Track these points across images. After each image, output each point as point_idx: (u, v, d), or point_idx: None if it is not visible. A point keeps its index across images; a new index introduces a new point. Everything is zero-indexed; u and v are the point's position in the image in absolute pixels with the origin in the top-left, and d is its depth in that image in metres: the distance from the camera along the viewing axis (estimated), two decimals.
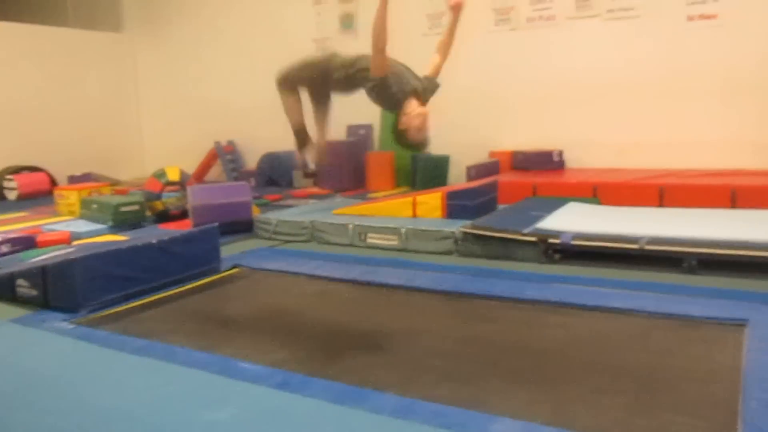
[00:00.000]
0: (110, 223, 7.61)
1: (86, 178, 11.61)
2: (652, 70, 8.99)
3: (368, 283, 4.86)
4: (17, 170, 11.49)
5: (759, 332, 3.43)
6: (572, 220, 6.06)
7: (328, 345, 3.69)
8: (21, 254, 6.07)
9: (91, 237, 7.13)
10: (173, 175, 8.14)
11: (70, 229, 7.38)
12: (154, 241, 4.92)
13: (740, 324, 3.61)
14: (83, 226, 7.71)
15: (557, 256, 5.51)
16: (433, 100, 10.90)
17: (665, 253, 5.05)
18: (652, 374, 3.07)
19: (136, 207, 7.91)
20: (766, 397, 2.64)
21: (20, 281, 4.61)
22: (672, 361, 3.22)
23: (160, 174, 8.13)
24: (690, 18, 8.70)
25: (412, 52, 10.93)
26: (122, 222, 7.66)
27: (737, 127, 8.56)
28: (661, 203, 7.39)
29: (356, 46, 11.50)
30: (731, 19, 8.44)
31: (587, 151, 9.61)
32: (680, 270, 4.92)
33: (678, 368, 3.12)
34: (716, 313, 3.77)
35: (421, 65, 10.85)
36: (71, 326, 4.06)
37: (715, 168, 8.40)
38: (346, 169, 10.92)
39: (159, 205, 8.07)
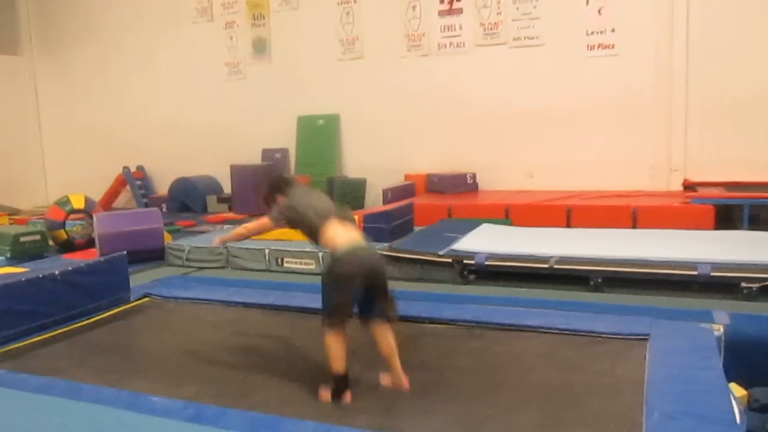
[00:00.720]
0: (8, 255, 7.20)
1: None
2: (557, 95, 9.44)
3: (285, 309, 4.81)
4: None
5: (660, 346, 3.63)
6: (486, 241, 6.23)
7: (243, 375, 3.61)
8: None
9: None
10: (78, 203, 7.82)
11: None
12: (56, 272, 4.68)
13: (642, 338, 3.81)
14: None
15: (472, 276, 5.64)
16: (349, 123, 11.05)
17: (573, 272, 5.28)
18: (560, 390, 3.18)
19: (36, 237, 7.53)
20: (667, 409, 2.79)
21: None
22: (579, 376, 3.35)
23: (64, 202, 7.79)
24: (590, 47, 9.21)
25: (328, 75, 11.05)
26: (21, 253, 7.26)
27: (635, 150, 9.09)
28: (568, 223, 7.72)
29: (269, 70, 11.55)
30: (627, 49, 9.01)
31: (499, 174, 9.94)
32: (587, 288, 5.15)
33: (584, 383, 3.26)
34: (620, 329, 3.96)
35: (335, 88, 10.98)
36: None
37: (617, 189, 8.87)
38: (261, 194, 10.77)
39: (62, 235, 7.72)
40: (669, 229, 6.53)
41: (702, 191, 8.41)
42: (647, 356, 3.52)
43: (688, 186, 8.78)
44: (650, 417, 2.74)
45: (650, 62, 8.93)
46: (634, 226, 7.33)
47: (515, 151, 9.80)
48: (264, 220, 3.90)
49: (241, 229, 4.02)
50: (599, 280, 5.15)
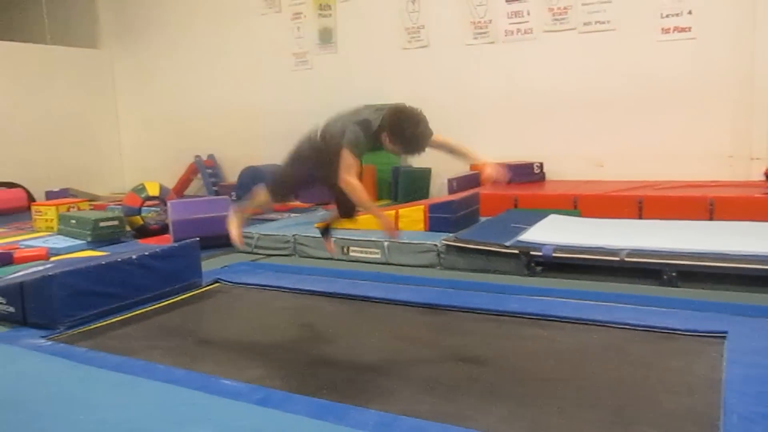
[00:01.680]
0: (89, 239, 7.53)
1: (64, 193, 11.50)
2: (630, 82, 9.12)
3: (350, 297, 4.86)
4: None
5: (738, 344, 3.48)
6: (553, 232, 6.11)
7: (308, 360, 3.67)
8: None
9: (69, 253, 7.05)
10: (153, 190, 8.09)
11: (47, 245, 7.29)
12: (133, 256, 4.88)
13: (720, 336, 3.65)
14: (61, 242, 7.63)
15: (539, 268, 5.55)
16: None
17: (645, 265, 5.11)
18: (630, 387, 3.09)
19: (115, 222, 7.84)
20: (746, 411, 2.67)
21: None
22: (651, 374, 3.25)
23: (140, 189, 8.08)
24: (664, 30, 8.85)
25: (393, 64, 11.04)
26: (101, 237, 7.58)
27: (713, 139, 8.69)
28: (640, 215, 7.47)
29: (335, 59, 11.63)
30: (705, 32, 8.60)
31: (567, 163, 9.70)
32: (660, 282, 4.98)
33: (657, 381, 3.15)
34: (695, 326, 3.81)
35: (400, 77, 10.95)
36: (48, 343, 4.00)
37: (693, 179, 8.51)
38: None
39: (138, 220, 8.02)
40: (749, 222, 6.23)
41: None
42: (724, 355, 3.37)
43: None
44: (728, 419, 2.62)
45: (729, 45, 8.49)
46: (711, 218, 7.02)
47: (584, 139, 9.53)
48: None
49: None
50: (673, 275, 4.97)
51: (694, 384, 3.09)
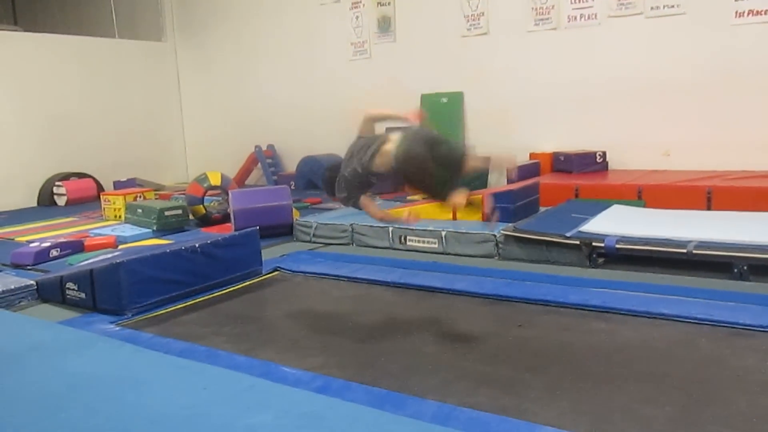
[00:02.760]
0: (154, 227, 7.77)
1: (131, 183, 11.91)
2: (698, 68, 8.76)
3: (408, 287, 4.86)
4: (66, 177, 11.85)
5: None
6: (616, 223, 5.95)
7: (367, 349, 3.70)
8: (69, 258, 6.25)
9: (136, 241, 7.29)
10: (215, 180, 8.27)
11: (116, 234, 7.56)
12: (196, 245, 5.00)
13: None
14: (128, 230, 7.90)
15: (601, 260, 5.42)
16: (473, 101, 10.89)
17: (714, 258, 4.92)
18: (699, 384, 2.99)
19: (179, 211, 8.06)
20: None
21: (69, 284, 4.74)
22: (721, 371, 3.13)
23: (202, 179, 8.27)
24: (738, 14, 8.45)
25: (451, 52, 10.94)
26: (166, 226, 7.81)
27: None
28: (709, 206, 7.19)
29: (394, 48, 11.60)
30: None
31: (631, 153, 9.41)
32: (730, 276, 4.78)
33: (728, 379, 3.03)
34: None
35: (459, 66, 10.85)
36: (117, 328, 4.16)
37: (765, 170, 8.13)
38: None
39: (201, 210, 8.20)
40: None
41: None
42: None
43: None
44: None
45: None
46: None
47: (649, 128, 9.23)
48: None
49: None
50: (744, 268, 4.76)
51: (767, 382, 2.96)
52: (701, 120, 8.82)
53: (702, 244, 5.02)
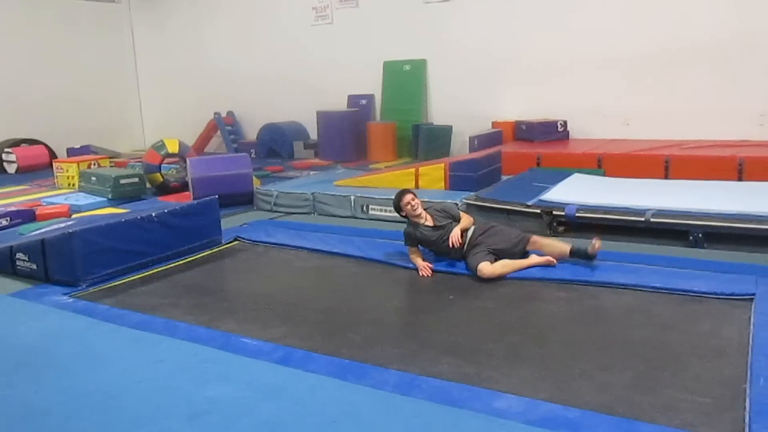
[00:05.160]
0: (110, 196, 7.57)
1: (85, 150, 11.56)
2: (659, 38, 8.82)
3: (368, 258, 4.82)
4: (16, 143, 11.43)
5: (766, 307, 3.40)
6: (577, 191, 6.00)
7: (329, 320, 3.67)
8: (20, 228, 6.04)
9: (90, 210, 7.11)
10: (172, 147, 8.08)
11: (69, 202, 7.35)
12: (153, 214, 4.88)
13: (747, 299, 3.58)
14: (83, 199, 7.68)
15: (561, 228, 5.47)
16: (435, 69, 10.81)
17: (671, 226, 5.01)
18: (656, 350, 3.04)
19: (135, 179, 7.87)
20: None
21: (20, 255, 4.58)
22: (677, 336, 3.19)
23: (160, 146, 8.07)
24: None
25: (415, 19, 10.79)
26: (122, 195, 7.62)
27: (744, 97, 8.42)
28: (666, 175, 7.32)
29: (356, 14, 11.40)
30: None
31: (592, 121, 9.49)
32: (686, 243, 4.88)
33: (683, 344, 3.10)
34: (723, 288, 3.73)
35: (422, 32, 10.72)
36: (71, 300, 4.05)
37: (722, 139, 8.29)
38: (347, 140, 10.83)
39: (159, 178, 8.03)
40: None
41: None
42: (752, 318, 3.31)
43: None
44: (755, 383, 2.58)
45: (765, 2, 8.16)
46: (740, 179, 6.85)
47: (610, 97, 9.30)
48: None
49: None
50: (700, 235, 4.87)
51: (720, 347, 3.04)
52: (660, 90, 8.93)
53: (659, 212, 5.11)
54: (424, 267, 4.42)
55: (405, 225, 4.71)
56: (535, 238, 4.44)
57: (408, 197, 4.64)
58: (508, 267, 4.28)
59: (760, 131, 8.36)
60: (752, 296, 3.59)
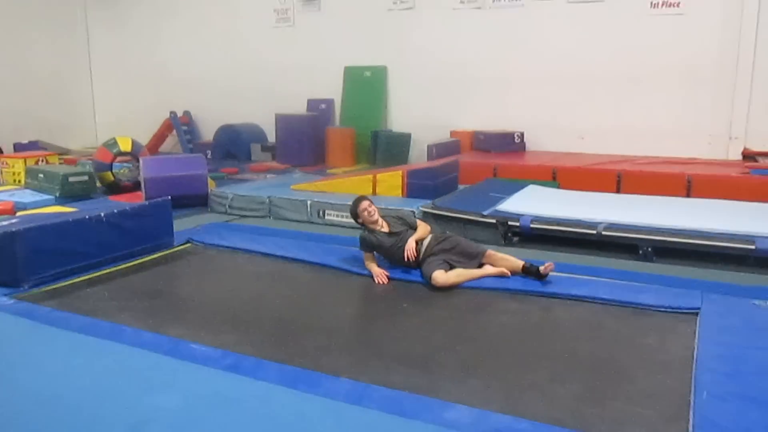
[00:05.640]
0: (57, 194, 7.34)
1: (33, 146, 11.19)
2: (615, 56, 9.05)
3: (323, 264, 4.79)
4: None
5: (712, 321, 3.50)
6: (532, 203, 6.09)
7: (281, 327, 3.62)
8: None
9: (36, 208, 6.89)
10: (125, 146, 7.90)
11: (14, 199, 7.10)
12: (102, 214, 4.74)
13: (692, 313, 3.67)
14: (28, 196, 7.43)
15: (516, 239, 5.54)
16: (396, 76, 10.85)
17: (622, 240, 5.12)
18: (604, 363, 3.09)
19: (84, 177, 7.66)
20: (717, 390, 2.68)
21: None
22: (624, 349, 3.25)
23: (112, 144, 7.88)
24: (653, 5, 8.76)
25: (377, 25, 10.81)
26: (70, 193, 7.41)
27: (694, 117, 8.70)
28: (618, 189, 7.49)
29: (318, 18, 11.36)
30: (693, 9, 8.53)
31: (548, 134, 9.67)
32: (636, 257, 5.00)
33: (630, 357, 3.15)
34: (669, 302, 3.82)
35: (383, 39, 10.74)
36: (11, 302, 3.89)
37: (672, 156, 8.54)
38: (305, 144, 10.77)
39: (109, 177, 7.84)
40: (726, 200, 6.27)
41: (762, 162, 8.03)
42: (697, 332, 3.39)
43: (748, 156, 8.39)
44: (699, 396, 2.64)
45: (717, 24, 8.45)
46: (689, 196, 7.06)
47: (566, 111, 9.49)
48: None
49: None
50: (649, 250, 4.99)
51: (666, 361, 3.10)
52: (615, 106, 9.16)
53: (611, 226, 5.22)
54: (380, 274, 4.41)
55: (358, 230, 4.71)
56: (490, 252, 4.47)
57: (365, 204, 4.63)
58: (462, 276, 4.31)
59: (709, 150, 8.65)
60: (697, 310, 3.69)
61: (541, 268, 4.22)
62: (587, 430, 2.42)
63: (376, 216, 4.61)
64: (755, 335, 3.32)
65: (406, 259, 4.45)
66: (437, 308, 3.93)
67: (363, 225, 4.70)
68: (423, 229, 4.62)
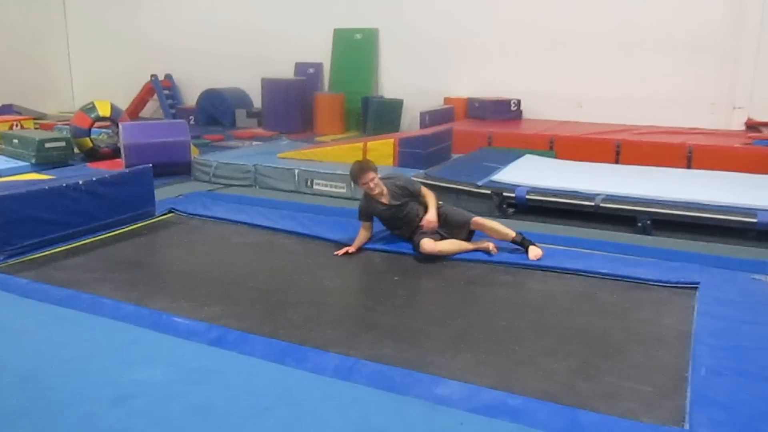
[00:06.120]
0: (33, 161, 7.27)
1: (7, 110, 11.05)
2: (615, 20, 8.99)
3: (311, 235, 4.79)
4: None
5: (710, 295, 3.53)
6: (528, 173, 6.09)
7: (267, 299, 3.62)
8: None
9: (11, 175, 6.82)
10: (104, 110, 7.81)
11: None
12: (80, 181, 4.70)
13: (691, 287, 3.70)
14: (3, 163, 7.36)
15: (511, 210, 5.55)
16: (388, 39, 10.73)
17: (620, 212, 5.14)
18: (599, 337, 3.12)
19: (62, 144, 7.58)
20: (714, 364, 2.71)
21: None
22: (621, 324, 3.28)
23: (90, 108, 7.78)
24: None
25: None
26: (47, 159, 7.33)
27: (696, 85, 8.69)
28: (617, 159, 7.50)
29: None
30: None
31: (545, 102, 9.63)
32: (634, 229, 5.02)
33: (626, 331, 3.18)
34: (667, 276, 3.84)
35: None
36: None
37: (673, 126, 8.54)
38: (292, 110, 10.69)
39: (88, 143, 7.76)
40: (727, 172, 6.29)
41: (766, 132, 8.05)
42: (695, 306, 3.42)
43: (751, 126, 8.40)
44: (696, 372, 2.67)
45: None
46: (689, 167, 7.08)
47: (565, 78, 9.45)
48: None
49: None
50: (648, 222, 5.02)
51: (663, 335, 3.13)
52: (615, 73, 9.12)
53: (609, 198, 5.24)
54: (345, 249, 4.40)
55: (348, 201, 4.66)
56: (477, 219, 4.42)
57: (371, 175, 4.40)
58: (451, 245, 4.30)
59: (711, 120, 8.65)
60: (696, 285, 3.71)
61: (531, 255, 4.18)
62: (581, 405, 2.45)
63: (379, 189, 4.44)
64: (754, 309, 3.35)
65: (424, 228, 4.36)
66: (429, 281, 3.95)
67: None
68: (431, 199, 4.50)
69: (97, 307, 3.29)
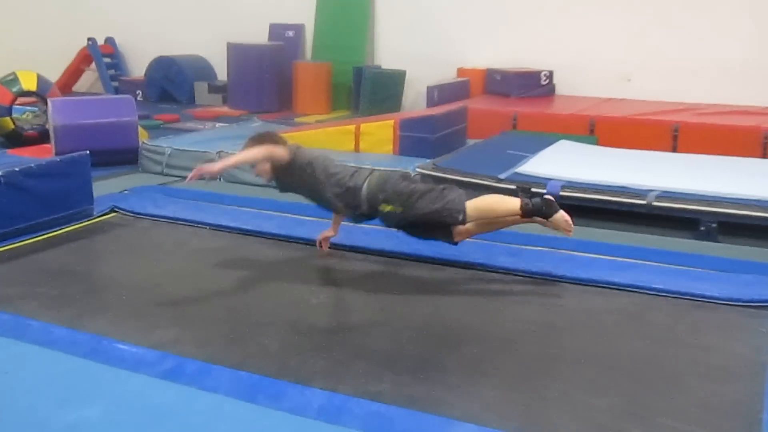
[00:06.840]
0: None
1: None
2: None
3: (286, 237, 4.81)
4: None
5: None
6: (562, 164, 6.12)
7: (235, 320, 3.64)
8: None
9: None
10: (28, 83, 7.85)
11: None
12: (0, 173, 4.72)
13: (766, 307, 3.72)
14: None
15: None
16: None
17: (678, 212, 5.18)
18: (651, 368, 3.14)
19: None
20: None
21: None
22: (678, 351, 3.30)
23: (11, 80, 7.82)
24: None
25: None
26: None
27: None
28: (675, 147, 7.53)
29: None
30: None
31: (584, 75, 9.67)
32: (695, 234, 5.05)
33: (685, 361, 3.20)
34: (737, 293, 3.87)
35: None
36: None
37: (743, 105, 8.56)
38: (266, 84, 10.72)
39: (8, 123, 7.79)
40: None
41: None
42: None
43: None
44: None
45: None
46: (765, 157, 7.11)
47: (608, 45, 9.49)
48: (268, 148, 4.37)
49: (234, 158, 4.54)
50: (713, 226, 5.05)
51: (731, 367, 3.15)
52: (671, 39, 9.14)
53: (664, 195, 5.27)
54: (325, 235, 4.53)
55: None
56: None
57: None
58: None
59: None
60: None
61: (557, 226, 3.89)
62: None
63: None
64: None
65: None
66: (438, 295, 3.97)
67: None
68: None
69: (20, 331, 3.30)
